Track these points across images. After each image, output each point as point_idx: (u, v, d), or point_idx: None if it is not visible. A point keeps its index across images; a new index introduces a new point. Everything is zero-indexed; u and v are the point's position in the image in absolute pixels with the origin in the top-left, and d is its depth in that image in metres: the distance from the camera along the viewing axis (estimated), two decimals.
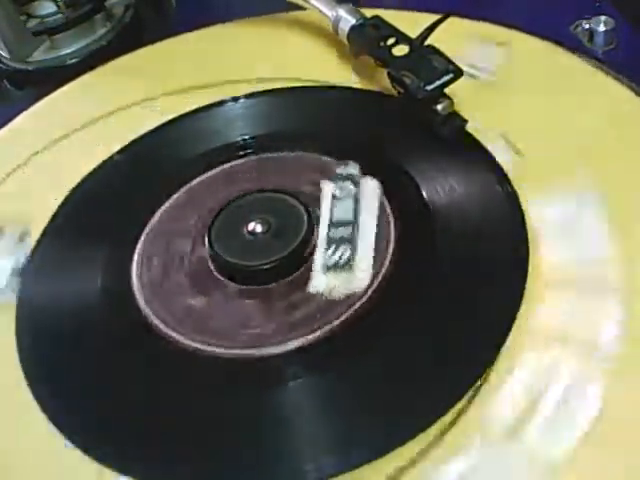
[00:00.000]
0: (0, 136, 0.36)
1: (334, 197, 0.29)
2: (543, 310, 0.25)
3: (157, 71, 0.39)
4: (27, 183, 0.34)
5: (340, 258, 0.27)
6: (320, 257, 0.27)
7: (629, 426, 0.22)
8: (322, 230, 0.28)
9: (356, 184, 0.29)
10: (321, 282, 0.27)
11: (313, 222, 0.28)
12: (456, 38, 0.34)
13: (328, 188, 0.29)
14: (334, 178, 0.30)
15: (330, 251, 0.27)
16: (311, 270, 0.27)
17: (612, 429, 0.22)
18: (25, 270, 0.30)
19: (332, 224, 0.28)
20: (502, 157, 0.30)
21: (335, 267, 0.27)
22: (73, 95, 0.38)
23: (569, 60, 0.34)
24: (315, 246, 0.28)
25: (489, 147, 0.30)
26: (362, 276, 0.26)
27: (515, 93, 0.33)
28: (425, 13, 0.35)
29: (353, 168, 0.30)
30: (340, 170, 0.30)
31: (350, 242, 0.27)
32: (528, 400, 0.23)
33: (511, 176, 0.29)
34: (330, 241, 0.27)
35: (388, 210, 0.29)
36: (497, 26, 0.36)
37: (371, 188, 0.29)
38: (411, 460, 0.22)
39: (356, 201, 0.29)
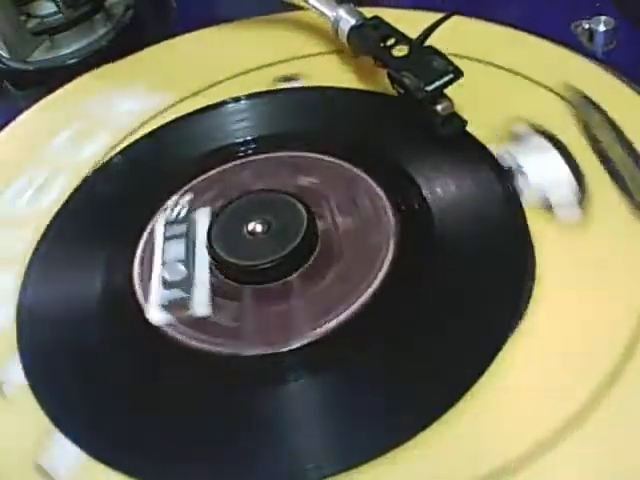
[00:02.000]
0: (1, 136, 0.37)
1: (165, 238, 0.29)
2: (543, 311, 0.25)
3: (157, 72, 0.39)
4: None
5: (175, 297, 0.27)
6: (156, 294, 0.28)
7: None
8: (156, 270, 0.28)
9: (186, 220, 0.30)
10: (159, 317, 0.27)
11: (313, 222, 0.28)
12: (457, 38, 0.34)
13: (159, 230, 0.30)
14: (166, 218, 0.30)
15: (167, 292, 0.27)
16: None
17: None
18: (26, 270, 0.30)
19: (165, 264, 0.28)
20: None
21: (171, 305, 0.27)
22: (74, 95, 0.38)
23: (569, 60, 0.34)
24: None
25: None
26: (200, 308, 0.27)
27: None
28: (426, 12, 0.35)
29: (186, 198, 0.30)
30: (169, 210, 0.30)
31: (184, 286, 0.28)
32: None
33: None
34: (165, 283, 0.28)
35: (388, 210, 0.29)
36: (497, 26, 0.36)
37: (203, 217, 0.30)
38: (410, 461, 0.22)
39: (188, 238, 0.29)
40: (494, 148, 0.30)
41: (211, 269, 0.28)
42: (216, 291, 0.27)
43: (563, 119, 0.31)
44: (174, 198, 0.31)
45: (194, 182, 0.32)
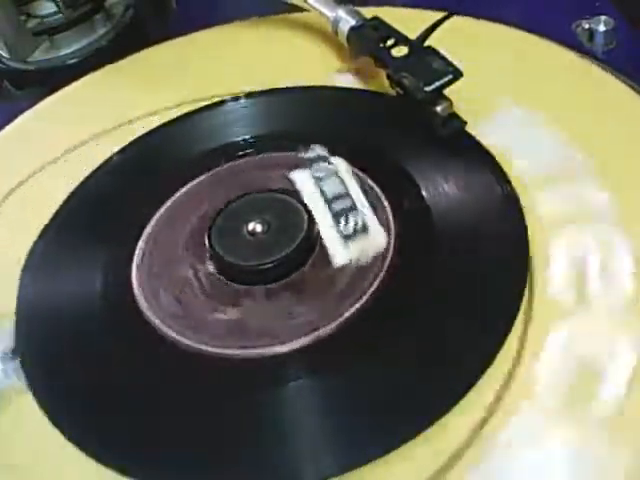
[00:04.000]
0: (1, 136, 0.37)
1: (317, 179, 0.29)
2: (543, 312, 0.25)
3: (158, 72, 0.39)
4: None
5: (356, 225, 0.28)
6: (332, 233, 0.28)
7: None
8: (321, 211, 0.29)
9: (330, 162, 0.30)
10: (345, 254, 0.27)
11: (313, 222, 0.28)
12: (458, 38, 0.34)
13: (302, 176, 0.30)
14: (306, 163, 0.30)
15: (342, 224, 0.28)
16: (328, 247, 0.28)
17: None
18: (24, 269, 0.30)
19: (329, 201, 0.29)
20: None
21: (354, 235, 0.28)
22: (75, 95, 0.38)
23: (569, 59, 0.34)
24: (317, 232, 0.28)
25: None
26: (379, 236, 0.27)
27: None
28: (426, 11, 0.35)
29: (320, 149, 0.30)
30: (308, 155, 0.30)
31: (356, 209, 0.28)
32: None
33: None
34: (337, 215, 0.28)
35: (388, 210, 0.29)
36: (498, 26, 0.36)
37: (343, 165, 0.30)
38: (410, 460, 0.22)
39: (338, 175, 0.30)
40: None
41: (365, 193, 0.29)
42: (216, 291, 0.28)
43: None
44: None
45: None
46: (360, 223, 0.28)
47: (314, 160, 0.30)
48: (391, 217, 0.29)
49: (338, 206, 0.29)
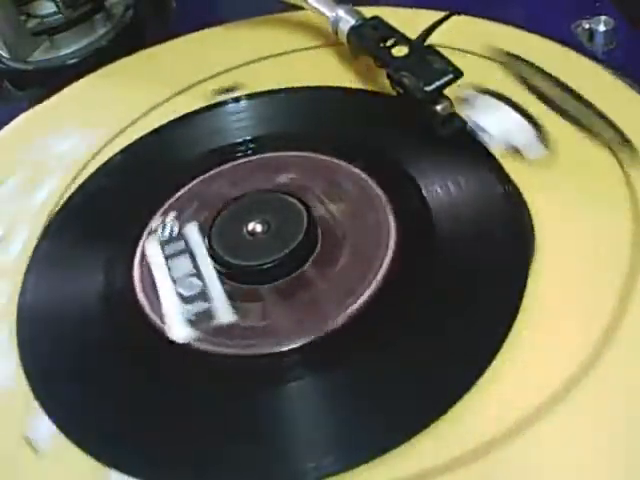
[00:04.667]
0: (1, 136, 0.37)
1: (167, 257, 0.29)
2: (543, 313, 0.25)
3: (158, 72, 0.39)
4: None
5: (199, 310, 0.27)
6: (177, 311, 0.27)
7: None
8: (165, 289, 0.28)
9: (180, 237, 0.30)
10: (185, 334, 0.27)
11: (313, 222, 0.28)
12: (458, 38, 0.34)
13: (154, 251, 0.29)
14: (158, 239, 0.30)
15: (188, 307, 0.27)
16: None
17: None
18: (26, 269, 0.30)
19: (176, 281, 0.28)
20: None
21: (196, 319, 0.27)
22: (76, 96, 0.38)
23: (570, 59, 0.34)
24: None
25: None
26: (225, 316, 0.27)
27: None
28: (427, 10, 0.35)
29: (170, 219, 0.30)
30: (161, 230, 0.30)
31: (203, 297, 0.27)
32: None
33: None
34: (184, 299, 0.27)
35: (388, 210, 0.29)
36: (498, 25, 0.36)
37: (195, 233, 0.30)
38: (410, 460, 0.22)
39: (190, 253, 0.29)
40: None
41: (219, 275, 0.28)
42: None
43: (501, 78, 0.33)
44: (158, 218, 0.31)
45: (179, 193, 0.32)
46: (203, 310, 0.27)
47: (165, 240, 0.30)
48: (391, 217, 0.29)
49: (185, 289, 0.28)
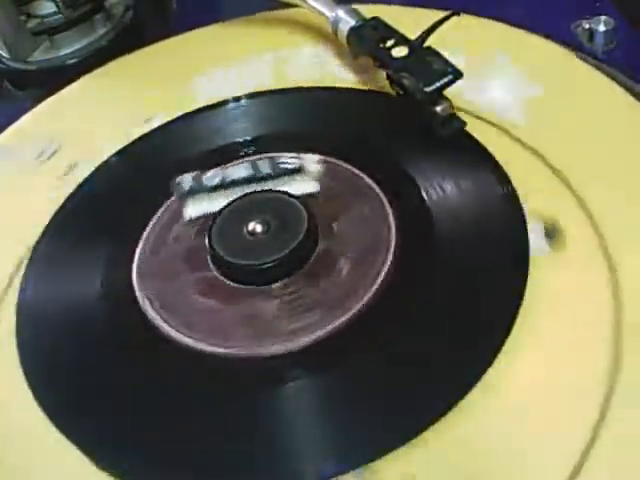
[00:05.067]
0: (2, 136, 0.37)
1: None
2: (542, 314, 0.25)
3: (158, 71, 0.39)
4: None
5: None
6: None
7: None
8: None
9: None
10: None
11: (313, 223, 0.28)
12: (457, 38, 0.34)
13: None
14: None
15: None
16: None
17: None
18: (26, 269, 0.30)
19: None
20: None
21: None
22: (76, 95, 0.38)
23: (570, 60, 0.34)
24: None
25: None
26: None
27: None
28: (427, 10, 0.35)
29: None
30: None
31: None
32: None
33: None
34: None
35: (388, 211, 0.29)
36: (498, 26, 0.36)
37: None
38: (409, 461, 0.22)
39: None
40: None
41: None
42: (216, 291, 0.28)
43: None
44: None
45: None
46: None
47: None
48: (391, 217, 0.29)
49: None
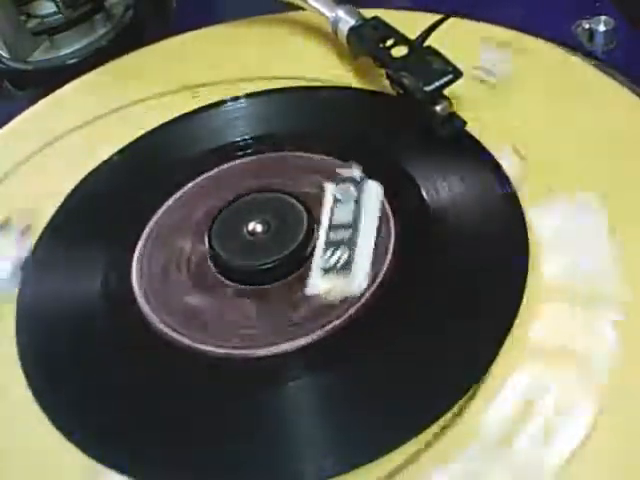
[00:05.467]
0: (0, 135, 0.37)
1: (335, 199, 0.29)
2: (542, 315, 0.25)
3: (158, 71, 0.39)
4: (28, 182, 0.34)
5: (338, 261, 0.27)
6: (318, 259, 0.27)
7: (622, 441, 0.22)
8: (322, 232, 0.28)
9: (358, 187, 0.29)
10: (318, 284, 0.27)
11: (313, 223, 0.28)
12: (457, 39, 0.34)
13: (330, 190, 0.29)
14: (336, 180, 0.30)
15: (328, 253, 0.27)
16: (310, 271, 0.27)
17: (605, 444, 0.22)
18: (25, 270, 0.30)
19: (332, 227, 0.28)
20: (505, 162, 0.30)
21: (333, 269, 0.27)
22: (75, 94, 0.38)
23: (570, 61, 0.34)
24: (315, 247, 0.28)
25: (493, 152, 0.30)
26: (359, 280, 0.26)
27: (515, 95, 0.33)
28: (426, 13, 0.35)
29: (356, 170, 0.30)
30: (342, 172, 0.30)
31: (348, 245, 0.27)
32: (523, 407, 0.23)
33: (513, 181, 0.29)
34: (329, 244, 0.27)
35: (388, 211, 0.29)
36: (498, 27, 0.36)
37: (373, 191, 0.29)
38: (408, 461, 0.22)
39: (357, 204, 0.28)
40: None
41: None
42: (216, 291, 0.28)
43: None
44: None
45: None
46: (343, 261, 0.27)
47: (343, 180, 0.29)
48: (391, 217, 0.29)
49: (335, 236, 0.28)
